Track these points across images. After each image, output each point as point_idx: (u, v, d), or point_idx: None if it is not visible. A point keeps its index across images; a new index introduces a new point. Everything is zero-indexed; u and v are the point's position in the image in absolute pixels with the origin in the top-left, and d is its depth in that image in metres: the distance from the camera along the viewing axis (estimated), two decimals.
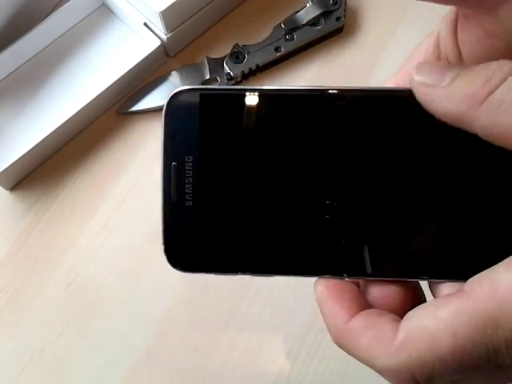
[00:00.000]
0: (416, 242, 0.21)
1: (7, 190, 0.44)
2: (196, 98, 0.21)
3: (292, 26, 0.46)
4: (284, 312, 0.40)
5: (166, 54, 0.48)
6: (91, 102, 0.43)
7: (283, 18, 0.47)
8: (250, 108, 0.21)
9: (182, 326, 0.40)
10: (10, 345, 0.40)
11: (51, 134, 0.43)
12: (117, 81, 0.44)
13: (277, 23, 0.47)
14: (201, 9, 0.47)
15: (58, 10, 0.47)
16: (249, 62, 0.46)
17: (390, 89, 0.22)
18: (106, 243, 0.42)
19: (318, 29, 0.47)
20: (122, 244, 0.42)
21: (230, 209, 0.21)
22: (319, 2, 0.46)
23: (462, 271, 0.20)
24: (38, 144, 0.42)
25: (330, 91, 0.21)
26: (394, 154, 0.21)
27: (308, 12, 0.46)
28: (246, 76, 0.46)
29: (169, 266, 0.43)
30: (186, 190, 0.21)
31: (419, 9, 0.49)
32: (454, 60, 0.22)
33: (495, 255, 0.19)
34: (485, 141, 0.18)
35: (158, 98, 0.46)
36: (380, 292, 0.21)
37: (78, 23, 0.49)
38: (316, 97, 0.21)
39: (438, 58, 0.22)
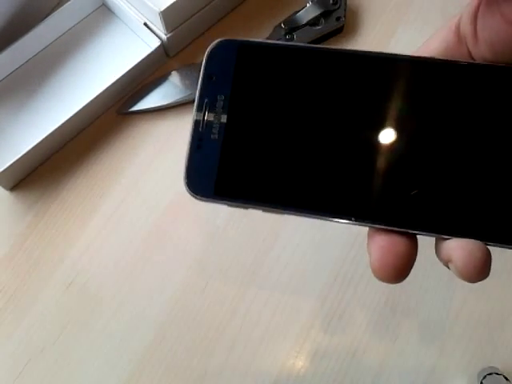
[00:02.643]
0: (433, 195, 0.22)
1: (7, 190, 0.44)
2: (235, 47, 0.24)
3: (292, 26, 0.46)
4: (284, 312, 0.40)
5: (166, 54, 0.48)
6: (91, 101, 0.43)
7: (283, 18, 0.47)
8: (283, 62, 0.24)
9: (182, 326, 0.40)
10: (10, 345, 0.40)
11: (51, 134, 0.43)
12: (117, 81, 0.44)
13: (277, 23, 0.47)
14: (201, 9, 0.47)
15: (58, 10, 0.47)
16: None
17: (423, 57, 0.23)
18: (105, 243, 0.42)
19: (318, 29, 0.46)
20: (122, 244, 0.42)
21: (251, 145, 0.24)
22: (319, 2, 0.46)
23: (476, 231, 0.21)
24: (38, 144, 0.42)
25: (369, 55, 0.23)
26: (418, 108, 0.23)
27: (308, 12, 0.46)
28: None
29: (168, 267, 0.43)
30: (213, 125, 0.24)
31: (419, 9, 0.49)
32: (471, 46, 0.22)
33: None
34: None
35: (158, 97, 0.46)
36: (387, 240, 0.21)
37: (78, 23, 0.49)
38: (352, 58, 0.23)
39: (458, 41, 0.23)
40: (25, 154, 0.42)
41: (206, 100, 0.24)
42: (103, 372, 0.39)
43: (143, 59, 0.45)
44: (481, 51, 0.22)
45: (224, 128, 0.24)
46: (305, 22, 0.46)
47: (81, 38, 0.48)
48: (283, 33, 0.46)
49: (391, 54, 0.23)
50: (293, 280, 0.40)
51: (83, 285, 0.41)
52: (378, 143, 0.22)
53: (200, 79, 0.24)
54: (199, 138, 0.24)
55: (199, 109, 0.24)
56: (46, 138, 0.42)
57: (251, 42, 0.24)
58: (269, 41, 0.24)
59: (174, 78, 0.47)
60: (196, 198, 0.23)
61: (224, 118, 0.24)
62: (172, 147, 0.45)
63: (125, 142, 0.45)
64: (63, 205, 0.44)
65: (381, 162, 0.22)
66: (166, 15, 0.44)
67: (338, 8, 0.46)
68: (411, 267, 0.21)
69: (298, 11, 0.47)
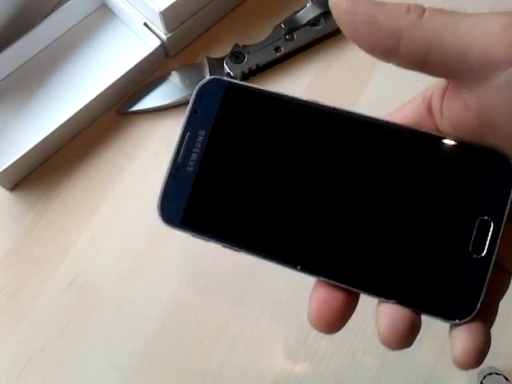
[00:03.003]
0: (368, 256, 0.23)
1: (7, 189, 0.44)
2: (223, 87, 0.25)
3: (292, 26, 0.46)
4: (284, 313, 0.40)
5: (166, 54, 0.48)
6: (91, 101, 0.43)
7: (283, 18, 0.47)
8: (265, 108, 0.25)
9: (182, 325, 0.40)
10: (10, 345, 0.40)
11: (51, 134, 0.43)
12: (117, 81, 0.44)
13: (277, 23, 0.47)
14: (201, 9, 0.47)
15: (58, 10, 0.47)
16: (249, 62, 0.46)
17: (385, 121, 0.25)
18: (105, 243, 0.42)
19: (318, 29, 0.47)
20: (122, 244, 0.42)
21: (220, 181, 0.25)
22: (319, 2, 0.46)
23: (401, 293, 0.23)
24: (38, 144, 0.42)
25: (343, 113, 0.25)
26: (367, 173, 0.24)
27: (308, 12, 0.46)
28: (246, 76, 0.46)
29: (168, 267, 0.43)
30: (191, 158, 0.25)
31: None
32: (438, 120, 0.24)
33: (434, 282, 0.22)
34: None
35: (158, 98, 0.46)
36: (326, 294, 0.23)
37: (78, 23, 0.49)
38: (325, 114, 0.25)
39: (429, 113, 0.24)
40: (25, 154, 0.42)
41: (188, 133, 0.25)
42: (103, 372, 0.39)
43: (143, 59, 0.45)
44: (445, 127, 0.24)
45: (200, 163, 0.25)
46: (305, 21, 0.46)
47: (81, 38, 0.48)
48: (283, 33, 0.46)
49: (365, 116, 0.24)
50: (293, 280, 0.40)
51: (83, 285, 0.41)
52: (332, 202, 0.24)
53: (187, 112, 0.25)
54: (176, 168, 0.25)
55: (181, 140, 0.25)
56: (46, 137, 0.42)
57: (240, 84, 0.26)
58: (257, 86, 0.25)
59: (174, 78, 0.47)
60: (165, 223, 0.25)
61: (201, 153, 0.25)
62: (172, 147, 0.45)
63: (125, 142, 0.45)
64: (63, 205, 0.44)
65: (329, 220, 0.24)
66: (166, 15, 0.44)
67: None
68: (345, 322, 0.23)
69: (298, 11, 0.47)
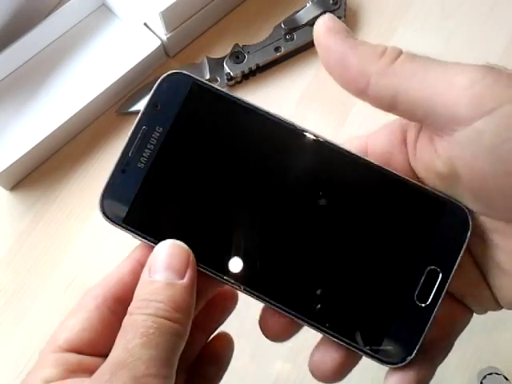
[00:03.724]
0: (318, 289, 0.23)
1: (7, 190, 0.44)
2: (188, 84, 0.23)
3: (292, 26, 0.46)
4: None
5: (166, 54, 0.48)
6: (91, 102, 0.43)
7: (283, 18, 0.47)
8: (229, 114, 0.24)
9: None
10: (10, 345, 0.40)
11: (51, 133, 0.43)
12: (117, 81, 0.44)
13: (277, 23, 0.47)
14: (201, 9, 0.47)
15: (58, 10, 0.47)
16: (249, 62, 0.46)
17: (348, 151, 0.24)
18: (105, 244, 0.42)
19: None
20: (122, 244, 0.42)
21: (172, 183, 0.23)
22: (319, 2, 0.46)
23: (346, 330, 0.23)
24: (38, 144, 0.42)
25: (304, 132, 0.23)
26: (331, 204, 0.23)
27: (308, 12, 0.46)
28: (246, 76, 0.46)
29: None
30: (143, 154, 0.23)
31: (419, 9, 0.49)
32: (412, 158, 0.24)
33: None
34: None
35: None
36: (275, 321, 0.24)
37: (78, 23, 0.49)
38: (285, 130, 0.23)
39: (403, 142, 0.24)
40: (25, 154, 0.42)
41: (144, 127, 0.23)
42: None
43: (143, 59, 0.45)
44: (418, 167, 0.23)
45: (152, 161, 0.23)
46: (305, 21, 0.46)
47: (81, 38, 0.48)
48: (283, 33, 0.46)
49: (327, 142, 0.23)
50: None
51: (83, 285, 0.41)
52: (285, 226, 0.23)
53: (145, 104, 0.23)
54: (126, 162, 0.23)
55: (135, 133, 0.23)
56: (46, 138, 0.42)
57: (206, 84, 0.24)
58: (222, 89, 0.24)
59: None
60: (106, 219, 0.24)
61: (155, 151, 0.23)
62: None
63: (124, 142, 0.45)
64: (63, 205, 0.44)
65: (279, 244, 0.23)
66: (166, 15, 0.44)
67: (338, 8, 0.46)
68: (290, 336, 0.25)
69: (298, 11, 0.47)
